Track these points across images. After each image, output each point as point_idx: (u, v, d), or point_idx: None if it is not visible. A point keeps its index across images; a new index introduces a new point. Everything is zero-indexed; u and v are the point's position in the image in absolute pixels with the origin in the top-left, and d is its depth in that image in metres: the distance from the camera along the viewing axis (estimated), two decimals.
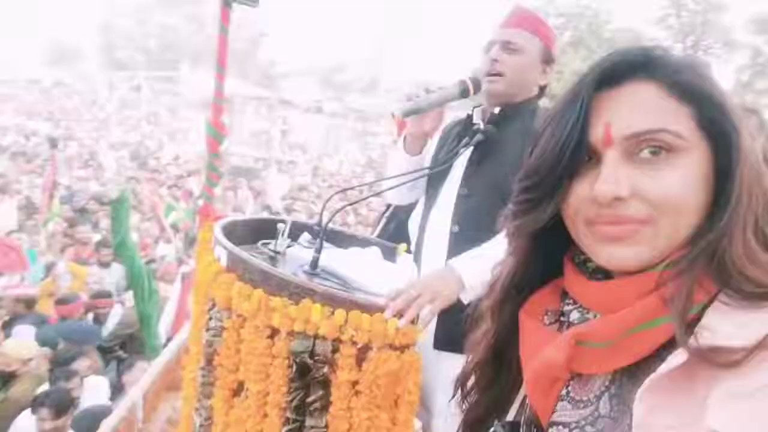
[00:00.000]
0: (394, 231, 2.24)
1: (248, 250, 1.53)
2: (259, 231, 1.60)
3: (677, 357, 0.53)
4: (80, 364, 3.52)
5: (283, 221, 1.55)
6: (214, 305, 1.27)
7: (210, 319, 1.27)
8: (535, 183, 0.64)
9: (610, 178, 0.57)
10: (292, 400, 1.17)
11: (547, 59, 1.54)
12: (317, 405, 1.17)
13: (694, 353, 0.51)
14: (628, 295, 0.59)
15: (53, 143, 7.75)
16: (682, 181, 0.57)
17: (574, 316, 0.65)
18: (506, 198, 0.69)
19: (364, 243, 1.77)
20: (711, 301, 0.55)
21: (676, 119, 0.58)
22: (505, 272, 0.71)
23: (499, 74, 1.52)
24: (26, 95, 22.05)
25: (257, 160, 12.71)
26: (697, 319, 0.54)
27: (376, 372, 1.17)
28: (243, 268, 1.24)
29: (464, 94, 1.51)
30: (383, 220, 2.44)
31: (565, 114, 0.61)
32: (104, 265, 5.48)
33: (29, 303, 4.47)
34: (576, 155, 0.60)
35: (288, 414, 1.18)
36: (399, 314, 1.19)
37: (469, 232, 1.49)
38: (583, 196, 0.60)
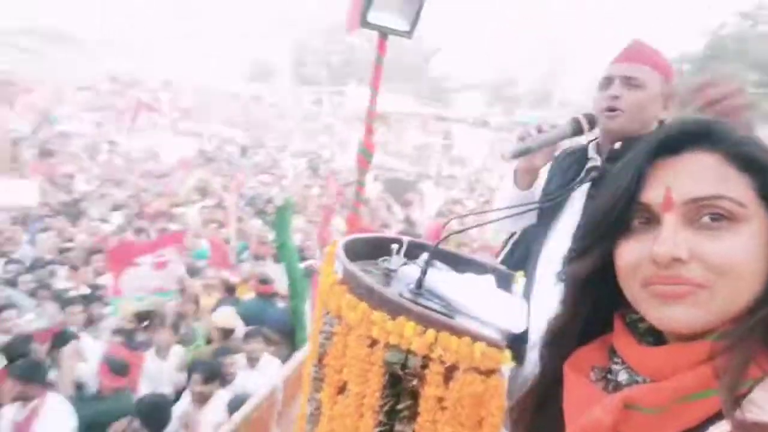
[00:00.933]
0: (520, 257, 2.25)
1: (367, 265, 1.71)
2: (381, 248, 1.77)
3: (720, 428, 0.54)
4: (251, 343, 4.05)
5: (400, 240, 1.70)
6: (327, 312, 1.46)
7: (324, 323, 1.46)
8: (586, 233, 0.68)
9: (669, 240, 0.59)
10: (384, 405, 1.31)
11: (668, 93, 1.52)
12: (406, 413, 1.29)
13: (737, 426, 0.53)
14: (680, 362, 0.60)
15: (243, 151, 8.86)
16: (742, 248, 0.58)
17: (623, 376, 0.66)
18: None
19: (481, 269, 1.84)
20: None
21: (737, 187, 0.60)
22: (555, 319, 0.75)
23: (619, 110, 1.51)
24: (227, 107, 25.30)
25: (417, 175, 13.15)
26: (749, 393, 0.55)
27: (461, 392, 1.25)
28: (353, 282, 1.41)
29: (577, 132, 1.52)
30: (509, 245, 2.46)
31: (623, 174, 0.64)
32: (277, 261, 6.23)
33: (231, 288, 5.38)
34: (627, 212, 0.63)
35: (380, 417, 1.32)
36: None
37: None
38: (638, 256, 0.62)
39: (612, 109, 1.50)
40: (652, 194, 0.62)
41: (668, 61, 1.59)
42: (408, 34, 3.34)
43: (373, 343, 1.33)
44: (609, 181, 0.67)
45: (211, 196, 8.15)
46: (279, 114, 27.81)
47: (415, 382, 1.27)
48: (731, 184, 0.60)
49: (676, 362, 0.60)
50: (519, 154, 1.58)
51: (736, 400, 0.54)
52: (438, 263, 1.80)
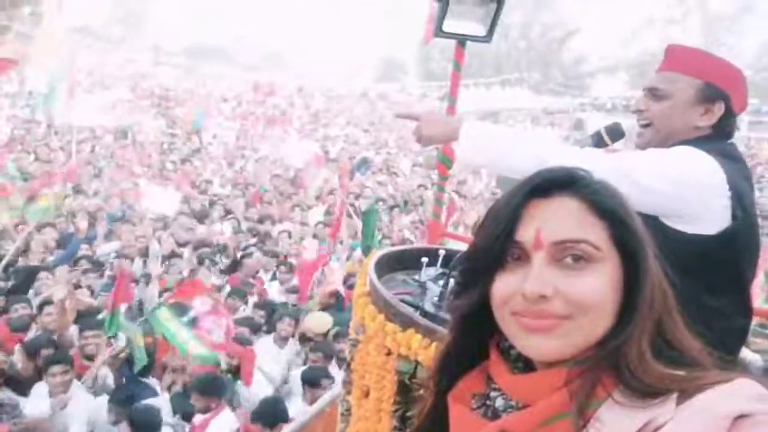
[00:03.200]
0: None
1: (409, 275, 1.82)
2: (427, 256, 1.86)
3: None
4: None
5: (435, 252, 1.78)
6: (356, 321, 1.60)
7: (353, 331, 1.60)
8: (468, 269, 0.75)
9: (538, 279, 0.67)
10: (396, 411, 1.42)
11: (708, 97, 1.40)
12: (415, 420, 1.39)
13: None
14: (542, 388, 0.67)
15: (364, 158, 9.25)
16: (598, 287, 0.66)
17: (499, 402, 0.73)
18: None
19: None
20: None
21: (594, 232, 0.67)
22: (442, 348, 0.82)
23: (647, 124, 1.45)
24: (355, 109, 26.28)
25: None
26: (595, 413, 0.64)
27: None
28: (375, 294, 1.53)
29: (599, 145, 1.49)
30: None
31: (500, 214, 0.72)
32: None
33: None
34: (505, 251, 0.70)
35: (395, 422, 1.43)
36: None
37: None
38: (511, 290, 0.69)
39: (641, 125, 1.45)
40: (524, 233, 0.69)
41: (717, 60, 1.45)
42: (486, 39, 3.33)
43: (389, 352, 1.44)
44: (489, 219, 0.73)
45: (332, 198, 8.62)
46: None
47: (422, 391, 1.36)
48: (589, 229, 0.67)
49: (540, 388, 0.67)
50: None
51: (585, 419, 0.63)
52: None
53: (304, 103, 23.74)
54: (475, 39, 3.20)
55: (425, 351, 1.35)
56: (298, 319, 4.96)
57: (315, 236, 6.62)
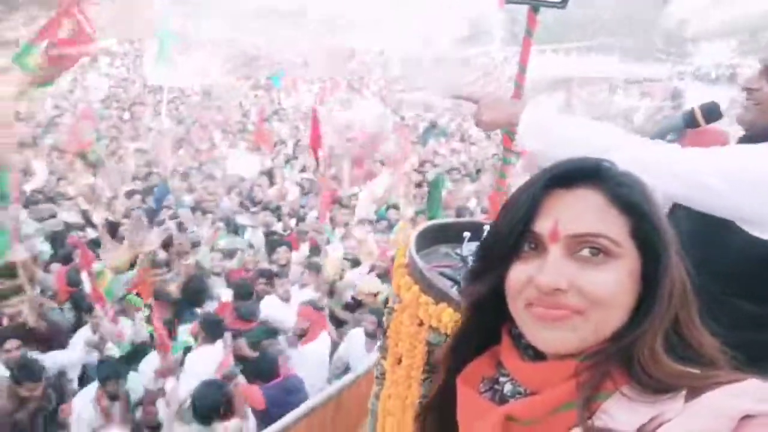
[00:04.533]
0: None
1: (454, 248, 1.82)
2: (473, 230, 1.84)
3: None
4: None
5: (483, 225, 1.76)
6: (394, 290, 1.63)
7: (391, 300, 1.64)
8: (484, 256, 0.76)
9: (552, 271, 0.67)
10: (425, 379, 1.45)
11: None
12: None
13: (586, 431, 0.62)
14: (552, 378, 0.68)
15: (432, 123, 9.13)
16: (614, 282, 0.65)
17: (508, 388, 0.74)
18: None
19: None
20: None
21: (614, 227, 0.66)
22: (454, 331, 0.83)
23: (755, 103, 1.33)
24: (434, 73, 25.74)
25: None
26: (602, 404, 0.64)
27: None
28: (411, 265, 1.55)
29: (691, 124, 1.39)
30: None
31: (519, 203, 0.71)
32: None
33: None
34: (521, 240, 0.70)
35: (423, 390, 1.46)
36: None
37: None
38: (525, 280, 0.69)
39: (749, 102, 1.33)
40: (542, 224, 0.68)
41: None
42: (561, 4, 3.17)
43: (421, 323, 1.47)
44: (506, 208, 0.73)
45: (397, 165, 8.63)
46: (486, 77, 27.52)
47: None
48: (610, 224, 0.66)
49: (549, 377, 0.68)
50: None
51: (591, 410, 0.63)
52: None
53: (382, 68, 23.61)
54: (548, 4, 3.05)
55: (455, 324, 1.36)
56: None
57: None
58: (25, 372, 3.50)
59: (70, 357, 4.07)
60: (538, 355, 0.72)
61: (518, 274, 0.69)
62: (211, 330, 3.95)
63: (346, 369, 4.07)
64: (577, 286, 0.65)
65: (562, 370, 0.66)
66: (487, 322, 0.78)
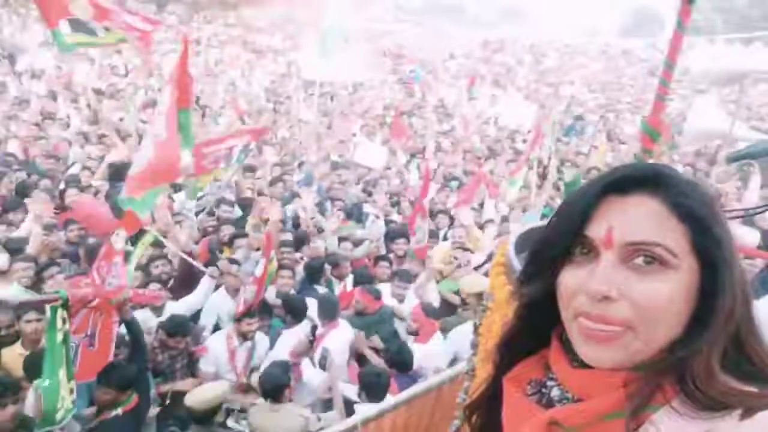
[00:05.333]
0: None
1: None
2: None
3: None
4: None
5: None
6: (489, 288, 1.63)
7: (485, 298, 1.64)
8: (535, 259, 0.76)
9: (603, 278, 0.66)
10: None
11: None
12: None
13: None
14: (601, 386, 0.68)
15: (577, 117, 8.50)
16: (667, 294, 0.64)
17: (555, 392, 0.74)
18: None
19: None
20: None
21: (673, 237, 0.64)
22: (506, 330, 0.83)
23: None
24: (592, 65, 24.21)
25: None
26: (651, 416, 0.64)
27: None
28: (507, 265, 1.54)
29: None
30: None
31: (574, 207, 0.71)
32: None
33: None
34: (574, 244, 0.70)
35: None
36: None
37: None
38: (577, 285, 0.68)
39: None
40: (595, 230, 0.67)
41: None
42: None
43: None
44: (560, 211, 0.72)
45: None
46: (649, 71, 25.27)
47: None
48: (668, 233, 0.64)
49: (598, 385, 0.67)
50: (735, 160, 1.41)
51: (638, 421, 0.62)
52: None
53: (534, 60, 22.79)
54: None
55: (507, 325, 1.34)
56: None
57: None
58: (175, 327, 4.04)
59: (199, 300, 4.59)
60: (587, 362, 0.71)
61: (569, 278, 0.68)
62: (329, 312, 4.19)
63: (455, 360, 4.07)
64: (627, 295, 0.63)
65: (612, 379, 0.65)
66: (538, 325, 0.77)
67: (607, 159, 8.53)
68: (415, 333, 4.47)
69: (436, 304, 4.94)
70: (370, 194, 7.15)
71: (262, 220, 5.39)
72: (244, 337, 4.13)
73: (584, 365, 0.71)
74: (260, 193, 6.50)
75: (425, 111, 12.60)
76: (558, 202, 6.37)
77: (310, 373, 3.93)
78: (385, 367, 3.79)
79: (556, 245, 0.70)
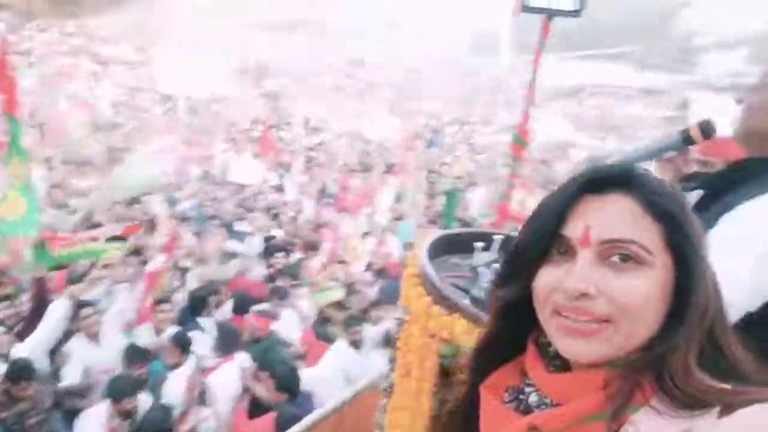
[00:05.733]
0: None
1: (463, 259, 1.79)
2: (483, 240, 1.81)
3: None
4: None
5: (494, 235, 1.74)
6: (403, 301, 1.61)
7: (400, 311, 1.61)
8: (513, 260, 0.74)
9: (581, 276, 0.65)
10: (437, 392, 1.42)
11: None
12: (454, 404, 1.39)
13: None
14: (580, 388, 0.67)
15: (435, 130, 9.02)
16: (644, 290, 0.64)
17: (533, 399, 0.73)
18: None
19: None
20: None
21: (647, 234, 0.65)
22: (480, 337, 0.81)
23: (749, 114, 1.30)
24: (443, 82, 25.71)
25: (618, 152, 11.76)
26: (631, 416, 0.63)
27: None
28: (423, 275, 1.53)
29: (687, 142, 1.37)
30: None
31: (550, 207, 0.70)
32: None
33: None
34: (551, 245, 0.69)
35: (433, 403, 1.43)
36: None
37: None
38: (554, 283, 0.68)
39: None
40: (572, 229, 0.67)
41: None
42: (576, 13, 3.19)
43: (432, 335, 1.44)
44: (536, 213, 0.72)
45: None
46: (494, 87, 27.48)
47: (459, 374, 1.36)
48: (643, 231, 0.65)
49: (577, 388, 0.67)
50: None
51: (618, 422, 0.62)
52: None
53: (389, 77, 23.63)
54: (563, 14, 3.05)
55: (468, 337, 1.33)
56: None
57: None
58: (18, 371, 3.40)
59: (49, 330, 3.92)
60: (564, 366, 0.71)
61: (547, 277, 0.68)
62: (229, 343, 3.91)
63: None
64: (605, 292, 0.64)
65: (590, 380, 0.65)
66: (513, 331, 0.77)
67: (469, 168, 9.11)
68: (302, 356, 4.29)
69: (312, 319, 4.82)
70: (249, 210, 6.89)
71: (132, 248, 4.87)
72: (126, 415, 3.45)
73: (561, 369, 0.71)
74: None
75: (293, 125, 12.50)
76: (434, 210, 6.65)
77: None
78: (278, 399, 3.60)
79: (533, 246, 0.70)
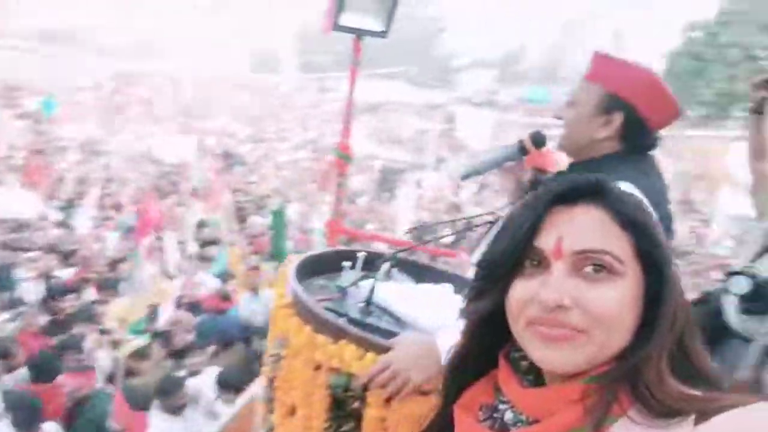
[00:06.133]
0: None
1: (329, 279, 1.73)
2: (346, 259, 1.77)
3: None
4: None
5: (355, 255, 1.72)
6: (278, 335, 1.48)
7: (274, 346, 1.49)
8: (485, 274, 0.72)
9: (556, 287, 0.64)
10: (329, 427, 1.34)
11: (608, 107, 1.37)
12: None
13: None
14: (557, 403, 0.65)
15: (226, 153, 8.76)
16: (618, 300, 0.64)
17: (508, 416, 0.71)
18: None
19: (439, 277, 1.85)
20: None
21: (618, 244, 0.66)
22: (454, 354, 0.78)
23: (564, 127, 1.48)
24: (233, 100, 25.15)
25: (411, 164, 12.92)
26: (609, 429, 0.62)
27: (401, 412, 1.27)
28: (300, 305, 1.43)
29: (523, 152, 1.51)
30: (484, 246, 2.45)
31: (521, 219, 0.69)
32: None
33: None
34: (524, 257, 0.68)
35: None
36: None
37: None
38: (528, 296, 0.66)
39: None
40: (545, 240, 0.67)
41: (624, 67, 1.41)
42: (383, 34, 3.33)
43: (318, 366, 1.35)
44: (510, 223, 0.71)
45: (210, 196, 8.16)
46: (285, 104, 27.71)
47: (357, 404, 1.30)
48: (614, 240, 0.66)
49: (554, 402, 0.66)
50: (468, 176, 1.67)
51: None
52: (397, 274, 1.81)
53: (175, 94, 22.27)
54: (372, 34, 3.18)
55: (359, 362, 1.28)
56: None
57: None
58: None
59: None
60: (538, 381, 0.71)
61: (521, 290, 0.67)
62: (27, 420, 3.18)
63: None
64: (580, 303, 0.64)
65: (567, 394, 0.65)
66: (484, 346, 0.75)
67: (275, 184, 8.98)
68: None
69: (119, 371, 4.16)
70: (25, 250, 5.74)
71: None
72: None
73: (535, 383, 0.71)
74: None
75: (66, 149, 10.88)
76: (249, 232, 6.36)
77: None
78: None
79: (506, 258, 0.69)
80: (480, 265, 0.73)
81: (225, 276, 5.34)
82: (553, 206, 0.68)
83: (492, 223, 1.67)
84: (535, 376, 0.71)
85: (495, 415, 0.72)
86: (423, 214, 7.62)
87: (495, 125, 21.39)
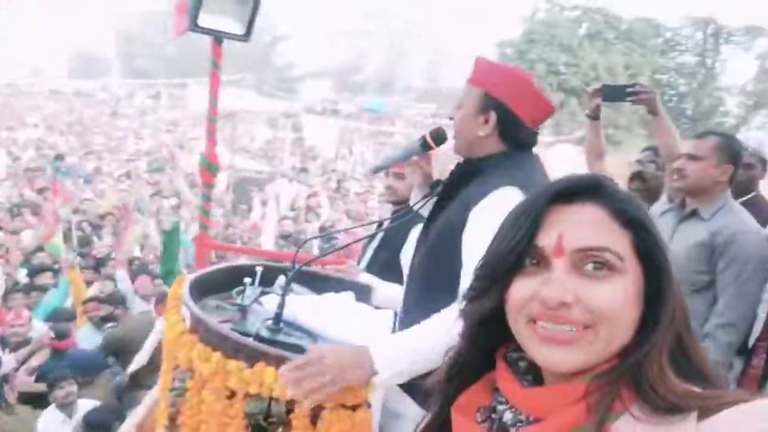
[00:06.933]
0: (386, 261, 2.23)
1: (222, 300, 1.60)
2: (237, 276, 1.64)
3: None
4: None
5: (255, 268, 1.62)
6: (177, 366, 1.33)
7: (174, 379, 1.33)
8: (484, 274, 0.70)
9: (559, 285, 0.63)
10: None
11: (485, 106, 1.45)
12: None
13: None
14: (559, 402, 0.64)
15: (59, 158, 7.83)
16: (619, 297, 0.64)
17: (507, 416, 0.69)
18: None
19: (338, 286, 1.82)
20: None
21: (619, 242, 0.66)
22: (452, 354, 0.76)
23: (455, 130, 1.53)
24: (47, 108, 22.46)
25: (268, 173, 12.64)
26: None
27: (329, 430, 1.22)
28: (203, 329, 1.30)
29: (425, 148, 1.54)
30: (371, 251, 2.45)
31: (521, 218, 0.68)
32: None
33: None
34: (524, 256, 0.66)
35: None
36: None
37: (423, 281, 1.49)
38: (529, 294, 0.65)
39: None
40: (545, 239, 0.66)
41: (505, 69, 1.53)
42: (245, 37, 3.19)
43: (232, 394, 1.24)
44: (509, 222, 0.70)
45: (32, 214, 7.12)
46: (111, 112, 25.36)
47: (280, 430, 1.21)
48: (614, 238, 0.66)
49: (556, 401, 0.65)
50: (377, 171, 1.73)
51: None
52: (296, 286, 1.73)
53: None
54: (232, 37, 3.03)
55: (280, 384, 1.20)
56: None
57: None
58: None
59: None
60: (536, 380, 0.70)
61: (521, 289, 0.66)
62: None
63: None
64: (582, 301, 0.64)
65: (569, 393, 0.64)
66: (482, 347, 0.73)
67: (116, 201, 8.12)
68: None
69: None
70: None
71: None
72: None
73: (534, 382, 0.70)
74: None
75: None
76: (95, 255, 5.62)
77: None
78: None
79: (507, 257, 0.67)
80: (479, 265, 0.73)
81: (59, 312, 4.59)
82: (552, 205, 0.68)
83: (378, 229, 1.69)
84: (533, 376, 0.71)
85: (493, 416, 0.71)
86: (285, 223, 7.43)
87: (340, 133, 21.82)
